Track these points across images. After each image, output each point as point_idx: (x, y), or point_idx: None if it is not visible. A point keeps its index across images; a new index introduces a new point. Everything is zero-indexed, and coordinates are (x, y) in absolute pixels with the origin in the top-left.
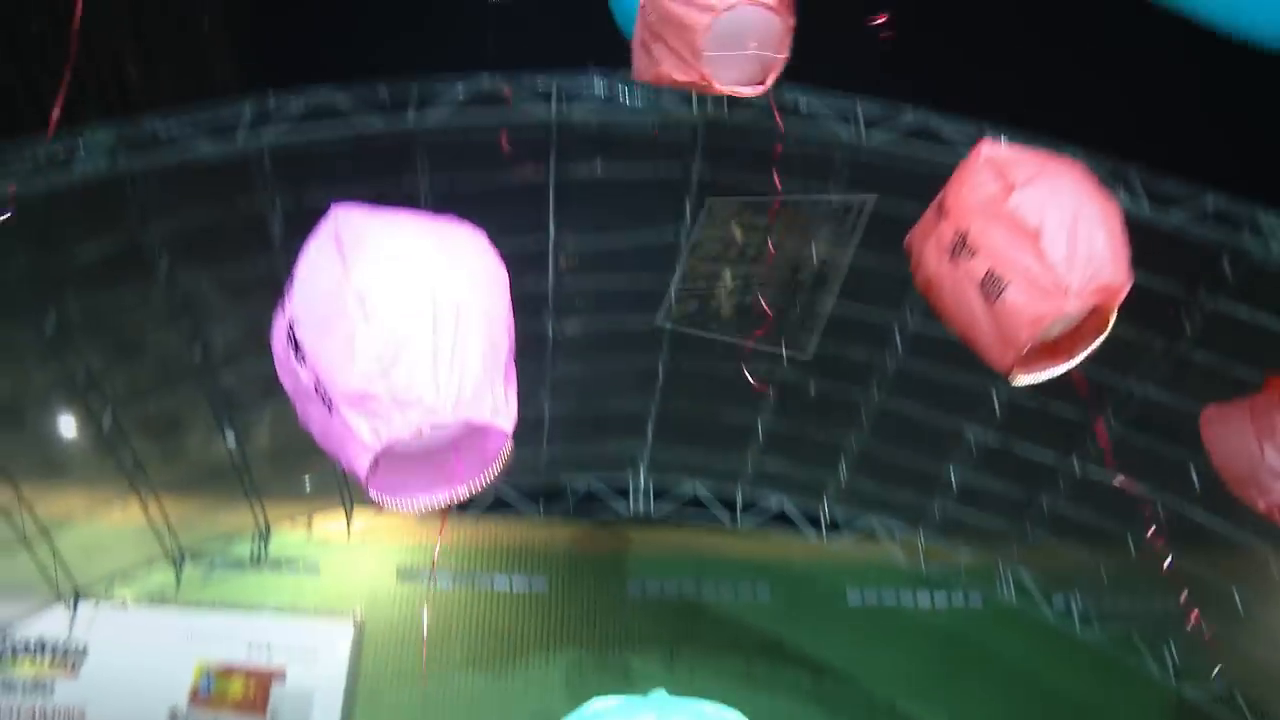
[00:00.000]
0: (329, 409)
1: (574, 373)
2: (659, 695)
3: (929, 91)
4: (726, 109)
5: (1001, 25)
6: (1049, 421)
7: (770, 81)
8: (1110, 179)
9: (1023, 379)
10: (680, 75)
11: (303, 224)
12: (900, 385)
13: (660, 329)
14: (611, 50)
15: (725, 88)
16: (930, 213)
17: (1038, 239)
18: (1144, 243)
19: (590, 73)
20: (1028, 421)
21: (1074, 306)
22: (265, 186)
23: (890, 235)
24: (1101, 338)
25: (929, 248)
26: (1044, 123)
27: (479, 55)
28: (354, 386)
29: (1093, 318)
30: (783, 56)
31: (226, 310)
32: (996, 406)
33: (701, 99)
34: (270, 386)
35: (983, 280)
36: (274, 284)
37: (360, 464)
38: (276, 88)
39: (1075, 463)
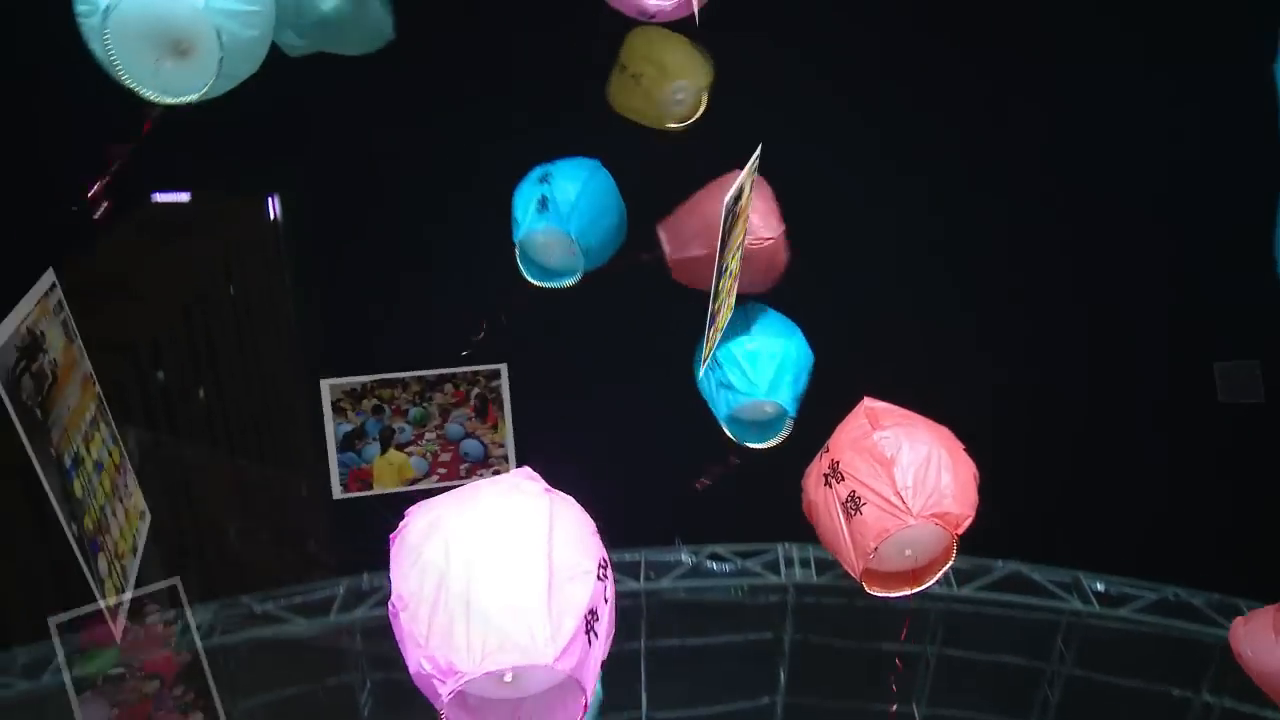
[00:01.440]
0: None
1: None
2: None
3: (1020, 542)
4: (815, 573)
5: (1090, 469)
6: None
7: None
8: (1215, 610)
9: (876, 592)
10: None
11: (390, 697)
12: None
13: None
14: (697, 524)
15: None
16: (820, 453)
17: (891, 467)
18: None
19: (678, 548)
20: None
21: (913, 524)
22: (356, 664)
23: (971, 685)
24: (948, 566)
25: (811, 479)
26: (1139, 563)
27: None
28: (413, 670)
29: (942, 553)
30: None
31: None
32: None
33: (789, 564)
34: None
35: (845, 500)
36: None
37: None
38: (371, 567)
39: None
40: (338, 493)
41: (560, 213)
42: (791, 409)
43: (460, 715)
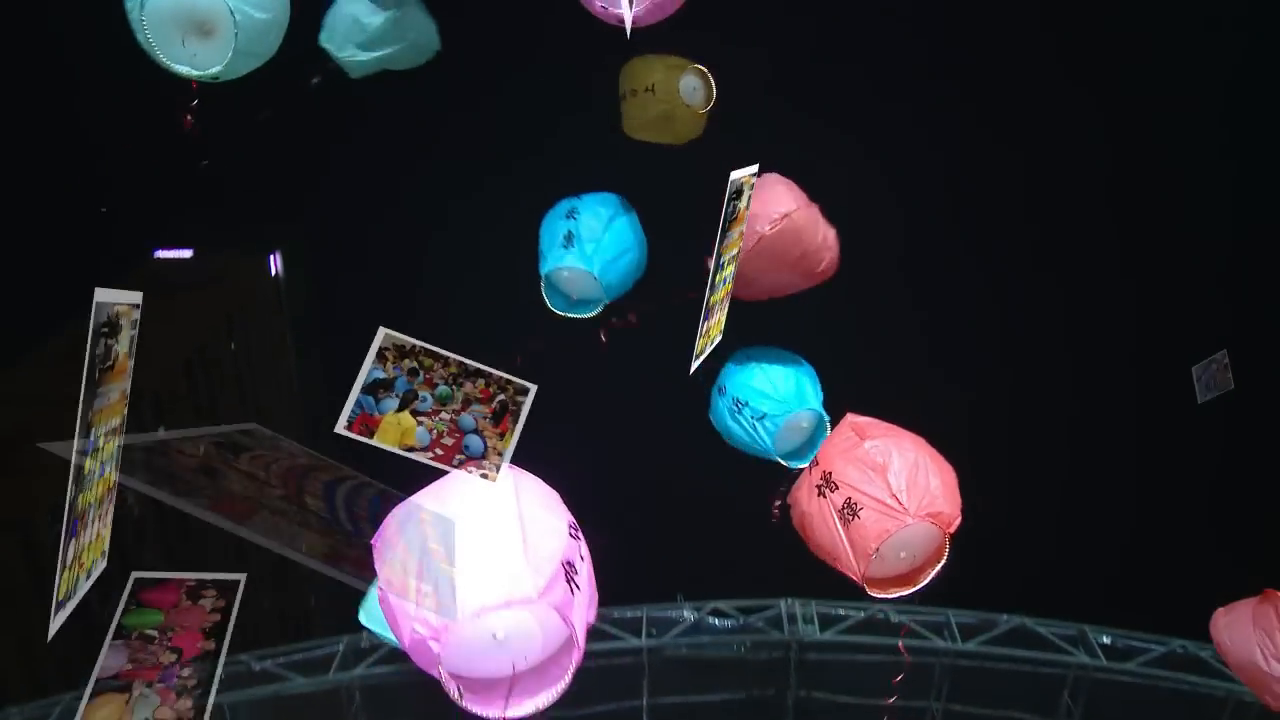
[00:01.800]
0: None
1: None
2: None
3: (1025, 595)
4: (818, 628)
5: (1093, 520)
6: None
7: None
8: (1224, 664)
9: (876, 593)
10: None
11: None
12: None
13: None
14: (699, 580)
15: None
16: (807, 468)
17: (885, 473)
18: None
19: (680, 604)
20: None
21: (911, 523)
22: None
23: None
24: (940, 565)
25: (802, 493)
26: (1147, 618)
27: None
28: (408, 643)
29: (935, 553)
30: None
31: None
32: None
33: (792, 619)
34: None
35: (841, 508)
36: None
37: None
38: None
39: None
40: (341, 426)
41: (585, 251)
42: (824, 413)
43: (457, 680)
